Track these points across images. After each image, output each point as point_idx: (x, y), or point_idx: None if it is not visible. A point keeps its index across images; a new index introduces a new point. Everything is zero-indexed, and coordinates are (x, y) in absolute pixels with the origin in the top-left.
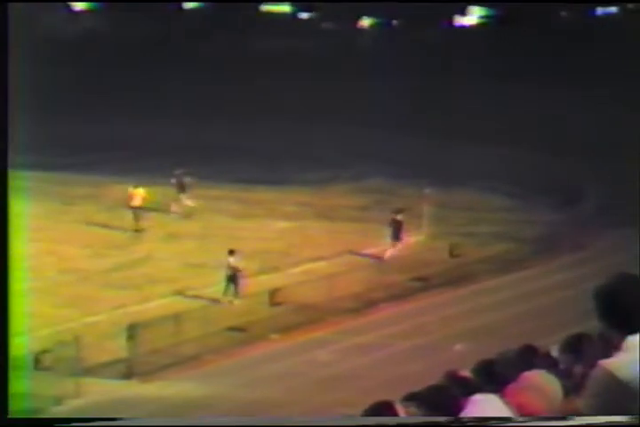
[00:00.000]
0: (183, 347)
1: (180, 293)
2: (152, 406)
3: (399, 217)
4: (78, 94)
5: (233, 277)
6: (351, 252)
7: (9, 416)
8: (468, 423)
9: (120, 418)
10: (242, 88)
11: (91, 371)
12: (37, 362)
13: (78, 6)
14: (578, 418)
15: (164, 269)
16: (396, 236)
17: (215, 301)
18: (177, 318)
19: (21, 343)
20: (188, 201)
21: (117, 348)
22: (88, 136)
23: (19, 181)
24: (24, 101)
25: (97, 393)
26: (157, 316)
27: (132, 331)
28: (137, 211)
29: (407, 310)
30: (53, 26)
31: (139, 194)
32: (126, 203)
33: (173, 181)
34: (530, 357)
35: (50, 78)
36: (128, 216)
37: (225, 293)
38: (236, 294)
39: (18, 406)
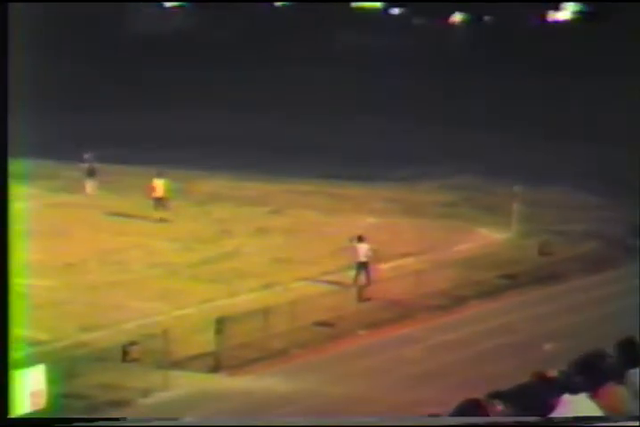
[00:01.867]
0: (271, 341)
1: (308, 278)
2: (238, 400)
3: None
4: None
5: (364, 264)
6: (438, 248)
7: (9, 416)
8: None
9: (120, 418)
10: (332, 86)
11: (178, 364)
12: (125, 354)
13: None
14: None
15: (253, 264)
16: None
17: (347, 286)
18: (265, 312)
19: (108, 336)
20: (90, 188)
21: (205, 341)
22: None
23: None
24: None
25: (184, 386)
26: (246, 310)
27: (221, 325)
28: (160, 202)
29: (495, 307)
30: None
31: (160, 185)
32: (148, 194)
33: (84, 165)
34: (631, 352)
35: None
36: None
37: (356, 279)
38: (369, 279)
39: (103, 398)
